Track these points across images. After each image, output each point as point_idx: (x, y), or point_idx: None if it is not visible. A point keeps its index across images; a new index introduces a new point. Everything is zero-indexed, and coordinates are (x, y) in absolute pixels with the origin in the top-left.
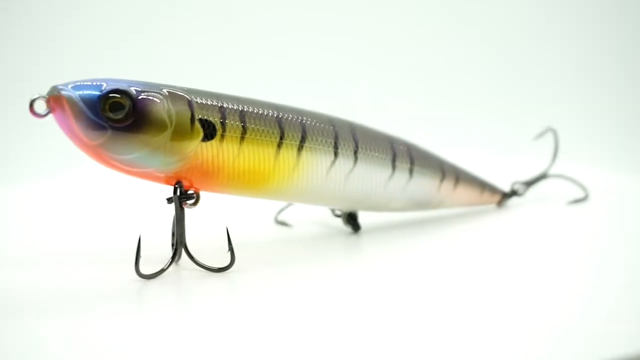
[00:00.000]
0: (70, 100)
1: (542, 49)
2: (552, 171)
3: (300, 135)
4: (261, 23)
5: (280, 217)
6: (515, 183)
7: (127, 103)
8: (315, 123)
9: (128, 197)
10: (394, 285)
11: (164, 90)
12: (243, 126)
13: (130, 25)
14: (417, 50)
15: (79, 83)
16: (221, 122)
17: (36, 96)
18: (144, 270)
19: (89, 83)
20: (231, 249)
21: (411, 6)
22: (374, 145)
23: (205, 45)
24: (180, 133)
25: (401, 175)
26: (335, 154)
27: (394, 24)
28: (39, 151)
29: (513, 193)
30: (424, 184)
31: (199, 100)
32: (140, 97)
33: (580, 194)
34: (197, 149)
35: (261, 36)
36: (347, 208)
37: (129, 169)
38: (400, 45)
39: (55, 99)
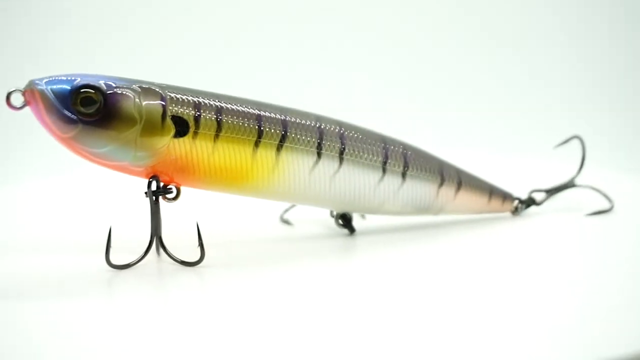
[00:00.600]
0: (42, 94)
1: (557, 48)
2: (577, 180)
3: (280, 135)
4: (260, 16)
5: (286, 216)
6: (534, 191)
7: (98, 98)
8: (299, 122)
9: (122, 194)
10: (374, 289)
11: (136, 86)
12: (218, 123)
13: (121, 21)
14: (431, 48)
15: (53, 78)
16: (195, 118)
17: (13, 89)
18: (123, 260)
19: (63, 78)
20: (201, 245)
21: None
22: (363, 147)
23: (197, 40)
24: (151, 129)
25: (392, 179)
26: (319, 155)
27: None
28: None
29: (531, 201)
30: (419, 189)
31: (173, 97)
32: (110, 93)
33: (605, 204)
34: (170, 144)
35: (256, 30)
36: (338, 209)
37: (102, 161)
38: (414, 44)
39: (30, 93)
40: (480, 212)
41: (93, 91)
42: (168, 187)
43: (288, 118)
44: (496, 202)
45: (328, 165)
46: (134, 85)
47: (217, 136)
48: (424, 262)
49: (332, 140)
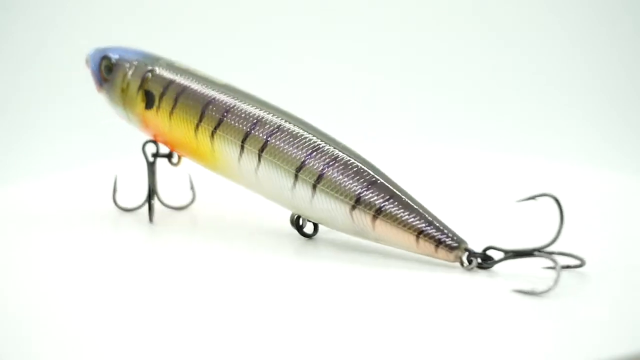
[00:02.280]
0: (88, 61)
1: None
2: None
3: (215, 122)
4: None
5: None
6: (489, 248)
7: (113, 66)
8: (241, 113)
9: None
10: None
11: (136, 62)
12: (175, 102)
13: None
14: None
15: (101, 47)
16: (160, 95)
17: (85, 55)
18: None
19: (105, 48)
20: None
21: None
22: (282, 151)
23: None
24: (130, 98)
25: (304, 190)
26: (242, 148)
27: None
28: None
29: (483, 258)
30: (330, 207)
31: (152, 75)
32: (114, 63)
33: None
34: (144, 114)
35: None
36: (284, 207)
37: (126, 120)
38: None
39: (86, 59)
40: (416, 252)
41: (109, 61)
42: (172, 153)
43: (234, 107)
44: (427, 246)
45: (249, 160)
46: (136, 61)
47: (171, 113)
48: (335, 282)
49: (257, 137)
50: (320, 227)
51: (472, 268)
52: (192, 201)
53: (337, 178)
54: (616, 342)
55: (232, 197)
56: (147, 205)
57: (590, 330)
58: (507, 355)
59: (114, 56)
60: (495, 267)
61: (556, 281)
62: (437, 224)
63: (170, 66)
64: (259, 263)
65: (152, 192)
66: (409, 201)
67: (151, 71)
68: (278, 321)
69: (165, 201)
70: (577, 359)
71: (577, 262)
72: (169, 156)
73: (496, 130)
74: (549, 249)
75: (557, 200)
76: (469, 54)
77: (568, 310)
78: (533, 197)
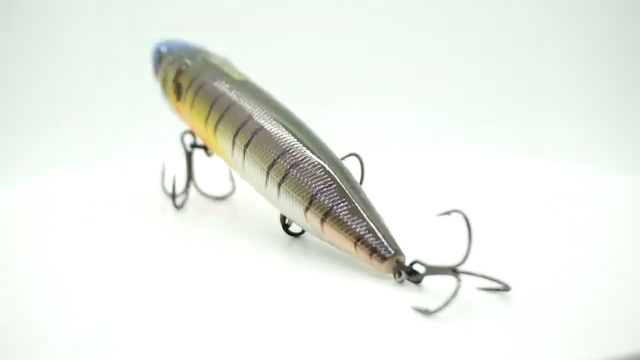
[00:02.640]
0: (152, 52)
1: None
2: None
3: (218, 117)
4: None
5: None
6: (416, 262)
7: (161, 58)
8: (236, 110)
9: None
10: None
11: (177, 55)
12: (194, 96)
13: None
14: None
15: (163, 40)
16: (186, 88)
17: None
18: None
19: (163, 41)
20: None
21: None
22: (261, 148)
23: None
24: (167, 88)
25: (273, 188)
26: (233, 144)
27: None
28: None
29: (411, 272)
30: (291, 207)
31: (188, 67)
32: (162, 54)
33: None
34: (176, 104)
35: None
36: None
37: (171, 110)
38: None
39: (152, 50)
40: (358, 258)
41: (160, 53)
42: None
43: (235, 104)
44: (363, 254)
45: (238, 154)
46: (177, 54)
47: (191, 106)
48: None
49: (245, 133)
50: None
51: (401, 281)
52: (232, 192)
53: (298, 178)
54: None
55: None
56: (183, 192)
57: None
58: None
59: (163, 49)
60: (426, 281)
61: (447, 302)
62: (379, 232)
63: (205, 61)
64: (246, 263)
65: (189, 181)
66: (358, 206)
67: (186, 64)
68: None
69: (205, 191)
70: None
71: (501, 286)
72: (204, 147)
73: (496, 130)
74: (468, 269)
75: (465, 218)
76: (468, 54)
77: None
78: (447, 213)
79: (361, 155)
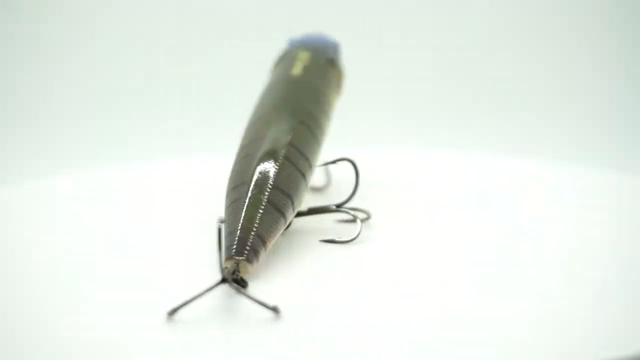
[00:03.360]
0: None
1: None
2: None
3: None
4: None
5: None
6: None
7: None
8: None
9: None
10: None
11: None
12: None
13: None
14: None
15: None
16: None
17: None
18: None
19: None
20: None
21: None
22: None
23: None
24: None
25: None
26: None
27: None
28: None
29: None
30: None
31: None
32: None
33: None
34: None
35: None
36: None
37: None
38: None
39: None
40: None
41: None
42: None
43: (261, 97)
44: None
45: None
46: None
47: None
48: None
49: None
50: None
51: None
52: (327, 185)
53: (231, 172)
54: None
55: None
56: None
57: None
58: None
59: (287, 45)
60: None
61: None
62: (241, 233)
63: (276, 65)
64: None
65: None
66: (240, 206)
67: (276, 64)
68: None
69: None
70: None
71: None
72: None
73: (495, 130)
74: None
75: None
76: (468, 53)
77: None
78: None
79: (355, 161)
